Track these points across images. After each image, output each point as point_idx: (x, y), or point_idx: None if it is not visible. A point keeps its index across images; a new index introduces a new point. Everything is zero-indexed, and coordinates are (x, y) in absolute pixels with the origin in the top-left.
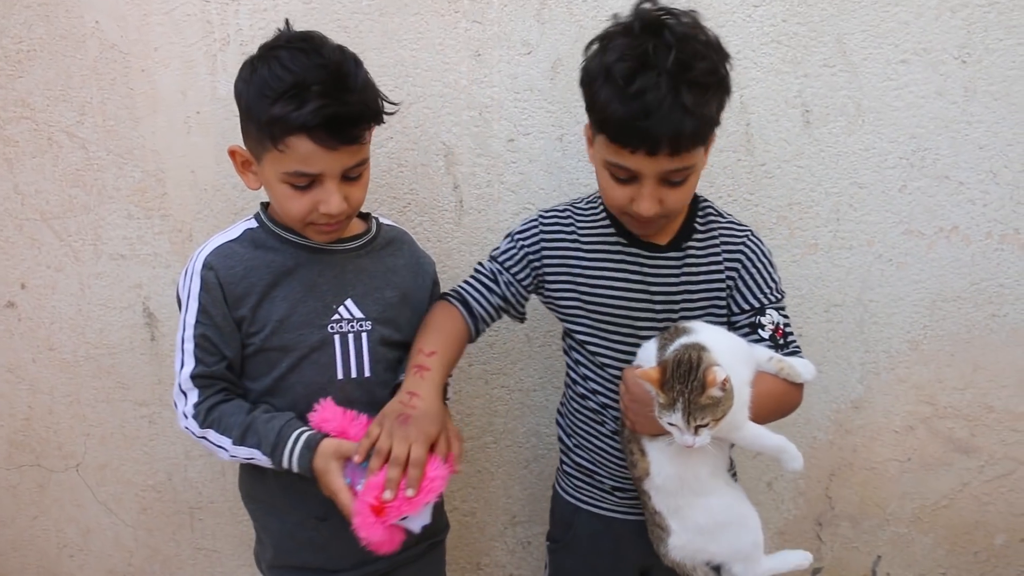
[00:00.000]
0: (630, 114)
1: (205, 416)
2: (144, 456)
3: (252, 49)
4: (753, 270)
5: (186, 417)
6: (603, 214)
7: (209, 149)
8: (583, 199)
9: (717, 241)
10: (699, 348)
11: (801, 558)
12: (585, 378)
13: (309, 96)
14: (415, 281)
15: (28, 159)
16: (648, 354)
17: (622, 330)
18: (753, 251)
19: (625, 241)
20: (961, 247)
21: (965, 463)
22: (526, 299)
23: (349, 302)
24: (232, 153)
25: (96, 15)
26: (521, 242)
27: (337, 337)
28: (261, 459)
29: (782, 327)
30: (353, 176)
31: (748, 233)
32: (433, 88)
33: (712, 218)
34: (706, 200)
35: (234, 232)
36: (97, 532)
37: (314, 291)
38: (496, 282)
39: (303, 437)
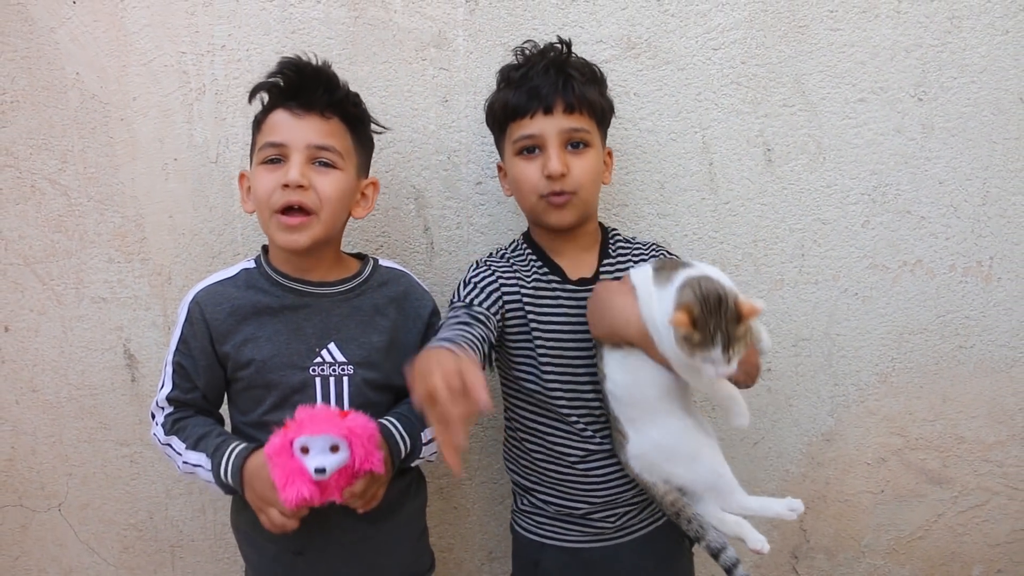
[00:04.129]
0: (522, 88)
1: (172, 425)
2: (126, 495)
3: (227, 98)
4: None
5: (156, 425)
6: (532, 255)
7: (186, 194)
8: (506, 248)
9: (624, 261)
10: (713, 280)
11: (789, 505)
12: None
13: (271, 76)
14: (404, 324)
15: (11, 206)
16: (643, 278)
17: (574, 362)
18: (656, 253)
19: (558, 278)
20: (926, 280)
21: (939, 494)
22: (496, 335)
23: (332, 346)
24: (241, 177)
25: (77, 67)
26: (477, 282)
27: (318, 380)
28: (204, 464)
29: None
30: (323, 162)
31: (654, 246)
32: (403, 133)
33: (621, 244)
34: (614, 230)
35: (231, 271)
36: (79, 571)
37: (298, 334)
38: (470, 322)
39: (243, 444)
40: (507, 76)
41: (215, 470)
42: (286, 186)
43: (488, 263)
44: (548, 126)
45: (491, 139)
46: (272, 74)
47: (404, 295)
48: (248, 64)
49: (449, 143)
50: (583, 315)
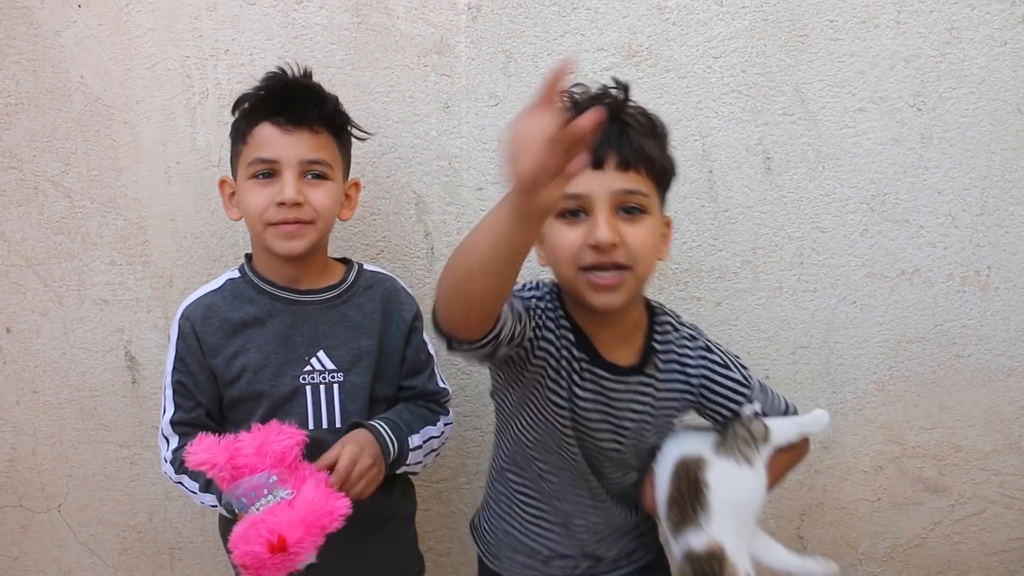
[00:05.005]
0: None
1: (181, 464)
2: (125, 497)
3: (230, 102)
4: (717, 387)
5: (165, 462)
6: (566, 323)
7: (189, 198)
8: (545, 291)
9: (674, 360)
10: (717, 557)
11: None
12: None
13: (258, 90)
14: (389, 327)
15: (15, 207)
16: (660, 501)
17: (603, 443)
18: (710, 367)
19: (587, 358)
20: (923, 289)
21: (935, 502)
22: (524, 341)
23: (321, 353)
24: (221, 183)
25: (81, 70)
26: (535, 299)
27: (308, 388)
28: (220, 506)
29: (761, 411)
30: (315, 174)
31: (700, 349)
32: (404, 139)
33: (670, 335)
34: (662, 312)
35: (217, 283)
36: (78, 573)
37: (287, 343)
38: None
39: None
40: None
41: (227, 507)
42: (281, 204)
43: (543, 295)
44: (597, 184)
45: (491, 146)
46: (258, 88)
47: (388, 299)
48: (251, 69)
49: (450, 149)
50: (609, 403)
